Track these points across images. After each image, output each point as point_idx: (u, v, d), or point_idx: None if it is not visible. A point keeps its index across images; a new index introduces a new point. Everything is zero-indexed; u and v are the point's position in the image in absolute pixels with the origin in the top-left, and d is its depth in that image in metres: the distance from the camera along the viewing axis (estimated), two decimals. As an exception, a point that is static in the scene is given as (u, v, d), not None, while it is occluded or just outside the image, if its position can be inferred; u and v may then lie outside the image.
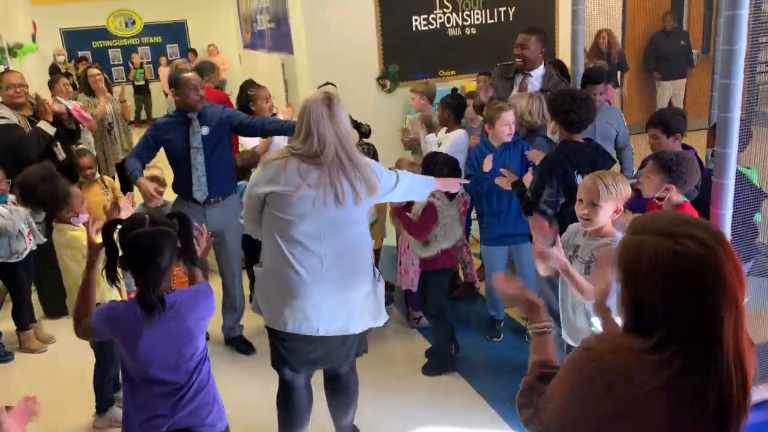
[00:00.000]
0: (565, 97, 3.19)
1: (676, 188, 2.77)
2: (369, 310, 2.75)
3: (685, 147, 3.46)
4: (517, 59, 4.24)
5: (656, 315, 1.23)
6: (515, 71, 4.35)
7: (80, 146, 5.09)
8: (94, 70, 6.09)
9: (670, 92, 7.98)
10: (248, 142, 4.34)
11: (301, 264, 2.54)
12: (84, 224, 3.32)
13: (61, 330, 4.46)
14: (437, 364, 3.74)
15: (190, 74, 3.82)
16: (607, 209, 2.52)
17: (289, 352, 2.70)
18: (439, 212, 3.60)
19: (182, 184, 3.89)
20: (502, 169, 3.53)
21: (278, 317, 2.63)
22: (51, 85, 5.63)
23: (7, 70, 4.93)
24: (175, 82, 3.76)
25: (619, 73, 7.40)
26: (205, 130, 3.79)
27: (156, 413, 2.15)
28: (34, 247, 4.11)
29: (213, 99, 4.70)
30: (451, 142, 4.33)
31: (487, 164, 3.68)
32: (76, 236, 3.18)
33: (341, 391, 2.95)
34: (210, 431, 2.23)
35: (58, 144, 4.58)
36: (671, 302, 1.20)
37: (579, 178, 2.96)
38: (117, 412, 3.45)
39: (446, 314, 3.77)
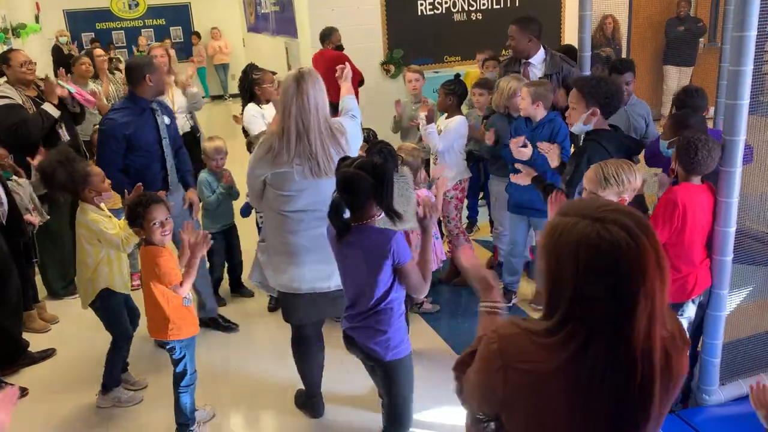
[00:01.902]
0: (606, 83, 3.05)
1: (690, 171, 2.77)
2: None
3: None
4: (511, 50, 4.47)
5: (565, 296, 1.22)
6: (516, 61, 4.45)
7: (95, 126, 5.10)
8: (99, 51, 6.14)
9: (677, 78, 7.95)
10: (253, 127, 4.32)
11: (305, 231, 2.74)
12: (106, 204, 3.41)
13: (65, 310, 4.49)
14: None
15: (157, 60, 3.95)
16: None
17: (293, 307, 2.98)
18: None
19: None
20: (518, 165, 3.61)
21: (283, 280, 2.89)
22: (72, 64, 5.61)
23: (11, 49, 4.91)
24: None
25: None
26: (167, 120, 3.86)
27: (346, 313, 2.52)
28: (41, 223, 4.11)
29: (330, 60, 5.26)
30: (452, 127, 4.31)
31: (523, 152, 3.74)
32: (96, 219, 3.21)
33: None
34: (372, 353, 2.47)
35: (63, 126, 4.58)
36: (585, 285, 1.19)
37: None
38: (121, 392, 3.48)
39: None
